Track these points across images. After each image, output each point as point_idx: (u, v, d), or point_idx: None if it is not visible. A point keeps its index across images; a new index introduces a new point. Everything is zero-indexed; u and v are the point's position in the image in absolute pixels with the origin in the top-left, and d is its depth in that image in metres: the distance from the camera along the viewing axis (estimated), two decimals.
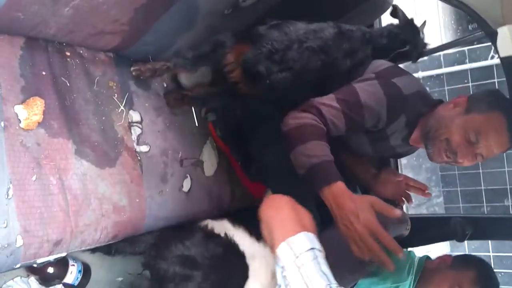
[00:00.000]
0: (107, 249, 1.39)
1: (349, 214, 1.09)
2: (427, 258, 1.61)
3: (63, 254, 1.10)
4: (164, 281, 1.23)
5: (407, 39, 1.45)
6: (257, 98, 1.44)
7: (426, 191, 1.51)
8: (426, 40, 1.52)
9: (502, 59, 1.26)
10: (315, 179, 1.18)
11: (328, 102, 1.32)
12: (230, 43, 1.34)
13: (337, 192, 1.13)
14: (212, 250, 1.26)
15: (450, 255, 1.56)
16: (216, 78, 1.52)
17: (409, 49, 1.46)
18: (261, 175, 1.61)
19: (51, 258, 1.08)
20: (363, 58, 1.44)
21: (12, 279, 1.30)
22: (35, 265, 1.25)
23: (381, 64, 1.43)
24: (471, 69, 3.54)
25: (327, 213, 1.18)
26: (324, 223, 1.51)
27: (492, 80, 3.45)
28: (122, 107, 1.27)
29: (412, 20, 1.47)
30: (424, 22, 1.54)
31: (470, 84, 3.57)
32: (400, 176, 1.56)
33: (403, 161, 2.31)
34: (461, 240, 1.56)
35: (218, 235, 1.31)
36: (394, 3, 1.67)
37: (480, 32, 1.47)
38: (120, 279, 1.57)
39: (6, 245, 0.93)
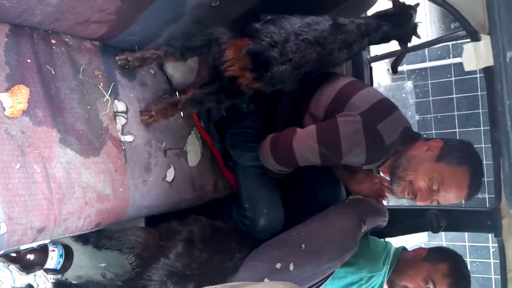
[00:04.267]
0: (95, 244, 1.41)
1: None
2: (403, 249, 1.65)
3: (47, 241, 1.13)
4: None
5: (401, 33, 1.45)
6: (255, 91, 1.44)
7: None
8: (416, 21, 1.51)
9: (484, 69, 1.31)
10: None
11: (307, 139, 1.41)
12: (226, 39, 1.32)
13: None
14: (197, 258, 1.31)
15: (425, 248, 1.61)
16: (210, 73, 1.52)
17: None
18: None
19: (35, 244, 1.09)
20: (359, 50, 1.45)
21: None
22: (13, 254, 1.26)
23: (371, 98, 1.44)
24: (454, 64, 3.59)
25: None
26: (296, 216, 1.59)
27: (474, 76, 3.51)
28: (107, 97, 1.27)
29: (405, 6, 1.47)
30: (417, 4, 1.53)
31: (453, 78, 3.63)
32: (374, 177, 1.61)
33: None
34: (436, 231, 1.61)
35: (198, 240, 1.35)
36: None
37: (462, 31, 1.51)
38: (103, 264, 1.59)
39: None
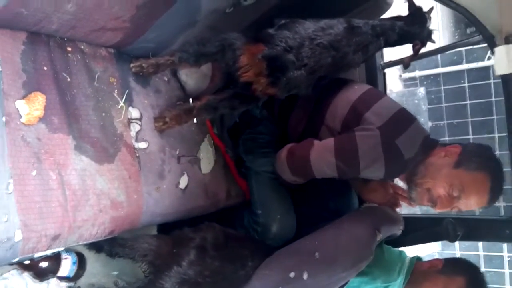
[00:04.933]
0: (109, 252, 1.42)
1: None
2: (417, 259, 1.63)
3: (61, 249, 1.12)
4: None
5: (416, 34, 1.44)
6: (269, 97, 1.44)
7: (412, 202, 1.55)
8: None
9: (501, 76, 1.29)
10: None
11: (325, 153, 1.40)
12: (240, 45, 1.32)
13: None
14: (210, 265, 1.30)
15: (440, 259, 1.57)
16: (224, 80, 1.51)
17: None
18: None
19: (49, 252, 1.09)
20: (375, 51, 1.45)
21: (8, 271, 1.31)
22: (27, 262, 1.26)
23: (388, 110, 1.41)
24: (468, 70, 3.56)
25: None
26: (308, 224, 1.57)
27: (488, 81, 3.47)
28: (122, 103, 1.28)
29: (420, 9, 1.46)
30: (431, 8, 1.52)
31: (466, 84, 3.59)
32: (387, 185, 1.59)
33: None
34: (452, 240, 1.58)
35: (211, 248, 1.34)
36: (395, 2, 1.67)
37: (478, 36, 1.49)
38: (115, 273, 1.59)
39: (5, 239, 0.95)
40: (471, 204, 1.37)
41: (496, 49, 1.09)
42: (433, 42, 1.46)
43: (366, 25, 1.36)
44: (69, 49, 1.19)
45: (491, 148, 1.44)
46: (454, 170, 1.36)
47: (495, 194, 1.36)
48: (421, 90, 3.68)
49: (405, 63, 1.49)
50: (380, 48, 1.46)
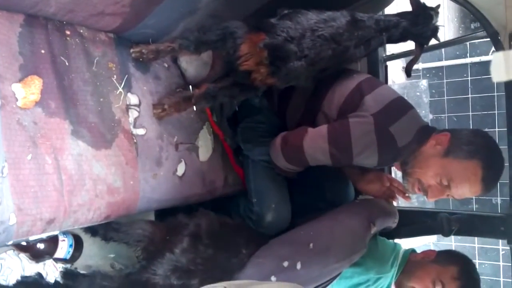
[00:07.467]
0: (103, 236, 1.42)
1: None
2: (412, 251, 1.64)
3: (56, 232, 1.13)
4: None
5: (419, 35, 1.43)
6: (269, 87, 1.43)
7: (406, 194, 1.56)
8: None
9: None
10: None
11: (318, 140, 1.39)
12: (241, 33, 1.31)
13: None
14: (202, 253, 1.31)
15: (434, 250, 1.59)
16: (224, 68, 1.50)
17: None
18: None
19: (44, 235, 1.10)
20: (377, 46, 1.43)
21: (5, 252, 1.33)
22: (24, 243, 1.27)
23: (384, 98, 1.40)
24: (471, 64, 3.53)
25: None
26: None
27: (491, 76, 3.44)
28: (120, 89, 1.27)
29: (425, 7, 1.44)
30: (438, 5, 1.50)
31: (469, 78, 3.57)
32: (383, 177, 1.59)
33: None
34: (447, 235, 1.59)
35: (205, 236, 1.35)
36: None
37: (482, 31, 1.47)
38: (112, 255, 1.60)
39: None
40: (464, 193, 1.35)
41: (494, 54, 1.08)
42: (438, 40, 1.44)
43: (370, 19, 1.35)
44: (68, 32, 1.18)
45: (487, 135, 1.40)
46: (442, 159, 1.35)
47: (489, 183, 1.33)
48: (424, 83, 3.67)
49: (407, 70, 1.47)
50: (382, 44, 1.44)
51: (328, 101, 1.50)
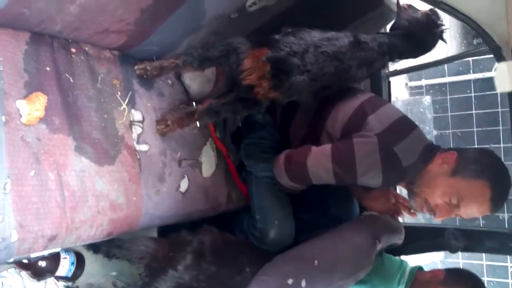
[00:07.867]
0: (106, 253, 1.41)
1: None
2: (419, 268, 1.61)
3: (58, 249, 1.12)
4: None
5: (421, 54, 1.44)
6: (271, 101, 1.43)
7: (412, 211, 1.53)
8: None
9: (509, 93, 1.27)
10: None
11: (322, 158, 1.38)
12: (244, 49, 1.32)
13: None
14: (205, 270, 1.30)
15: (442, 270, 1.56)
16: (227, 84, 1.51)
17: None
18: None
19: (45, 253, 1.09)
20: (380, 67, 1.45)
21: (6, 270, 1.31)
22: (25, 261, 1.26)
23: (388, 117, 1.39)
24: (474, 80, 3.54)
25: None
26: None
27: (495, 92, 3.44)
28: (124, 106, 1.28)
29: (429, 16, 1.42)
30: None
31: (472, 94, 3.57)
32: (389, 193, 1.57)
33: None
34: (454, 251, 1.57)
35: (208, 253, 1.34)
36: None
37: (485, 47, 1.47)
38: (114, 273, 1.58)
39: (0, 240, 0.94)
40: (472, 213, 1.34)
41: (498, 65, 1.07)
42: (445, 41, 1.43)
43: (373, 41, 1.36)
44: (73, 50, 1.19)
45: (493, 154, 1.39)
46: (450, 178, 1.33)
47: (497, 202, 1.31)
48: (427, 99, 3.67)
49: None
50: (385, 67, 1.45)
51: (331, 121, 1.50)
